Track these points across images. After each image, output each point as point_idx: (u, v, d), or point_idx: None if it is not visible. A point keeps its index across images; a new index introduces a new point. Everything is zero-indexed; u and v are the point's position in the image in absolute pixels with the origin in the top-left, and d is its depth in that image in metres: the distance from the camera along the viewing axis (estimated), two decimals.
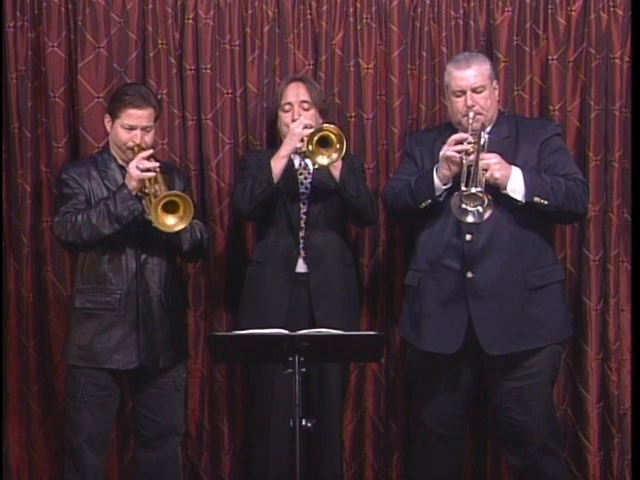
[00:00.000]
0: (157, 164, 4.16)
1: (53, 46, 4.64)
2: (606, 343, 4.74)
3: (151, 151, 4.21)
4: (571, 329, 4.42)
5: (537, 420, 4.21)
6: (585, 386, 4.74)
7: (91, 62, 4.64)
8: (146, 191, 4.14)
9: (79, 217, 4.15)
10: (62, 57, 4.65)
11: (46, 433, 4.74)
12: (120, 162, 4.28)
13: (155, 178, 4.13)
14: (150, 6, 4.66)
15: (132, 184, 4.13)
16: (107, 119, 4.30)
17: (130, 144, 4.22)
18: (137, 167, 4.12)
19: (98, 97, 4.64)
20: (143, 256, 4.25)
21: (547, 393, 4.29)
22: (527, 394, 4.20)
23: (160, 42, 4.66)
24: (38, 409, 4.72)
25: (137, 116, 4.21)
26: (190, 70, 4.68)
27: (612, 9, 4.69)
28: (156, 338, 4.25)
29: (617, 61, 4.69)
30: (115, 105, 4.25)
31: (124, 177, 4.21)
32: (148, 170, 4.13)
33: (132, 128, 4.21)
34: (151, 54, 4.67)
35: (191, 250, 4.30)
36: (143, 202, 4.16)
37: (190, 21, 4.67)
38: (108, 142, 4.36)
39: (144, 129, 4.23)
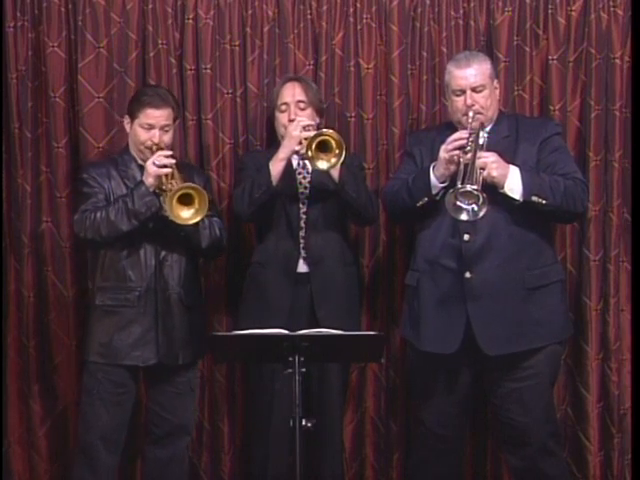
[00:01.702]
0: (173, 160, 4.19)
1: (53, 46, 4.64)
2: (606, 343, 4.74)
3: (170, 152, 4.24)
4: (571, 329, 4.42)
5: (537, 421, 4.20)
6: (585, 386, 4.74)
7: (91, 62, 4.64)
8: (164, 187, 4.18)
9: (98, 214, 4.19)
10: (62, 57, 4.65)
11: (47, 433, 4.74)
12: (140, 162, 4.32)
13: (172, 174, 4.17)
14: (150, 6, 4.66)
15: (149, 180, 4.17)
16: (126, 120, 4.35)
17: (148, 143, 4.26)
18: (154, 163, 4.16)
19: (98, 97, 4.64)
20: (162, 253, 4.28)
21: (547, 394, 4.29)
22: (527, 395, 4.19)
23: (160, 42, 4.67)
24: (39, 409, 4.72)
25: (155, 116, 4.25)
26: (190, 70, 4.68)
27: (612, 9, 4.69)
28: (175, 335, 4.27)
29: (617, 61, 4.69)
30: (134, 106, 4.30)
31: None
32: (164, 166, 4.16)
33: (150, 127, 4.26)
34: (151, 54, 4.67)
35: (210, 247, 4.33)
36: (161, 199, 4.19)
37: (190, 21, 4.67)
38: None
39: (162, 128, 4.27)
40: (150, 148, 4.25)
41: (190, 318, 4.33)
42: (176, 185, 4.13)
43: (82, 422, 4.34)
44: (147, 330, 4.25)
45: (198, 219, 4.13)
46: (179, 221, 4.12)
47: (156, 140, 4.25)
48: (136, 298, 4.25)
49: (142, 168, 4.28)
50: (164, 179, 4.17)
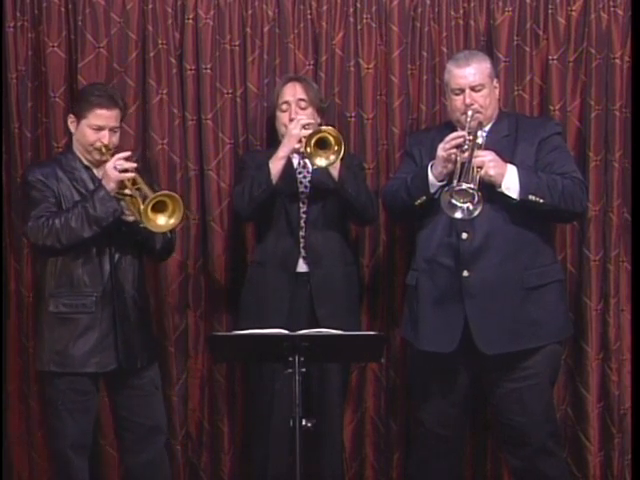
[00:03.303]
0: (135, 164, 4.13)
1: (53, 46, 4.64)
2: (606, 343, 4.74)
3: (129, 153, 4.18)
4: (570, 329, 4.41)
5: (536, 421, 4.20)
6: (585, 386, 4.74)
7: (91, 62, 4.64)
8: (126, 192, 4.10)
9: (56, 221, 4.09)
10: (62, 57, 4.65)
11: (46, 433, 4.72)
12: (85, 162, 4.24)
13: (134, 179, 4.10)
14: (150, 6, 4.66)
15: (110, 185, 4.08)
16: (71, 119, 4.25)
17: (97, 144, 4.18)
18: (115, 168, 4.08)
19: None
20: (116, 256, 4.21)
21: (546, 394, 4.28)
22: (526, 395, 4.18)
23: (160, 42, 4.67)
24: (38, 409, 4.71)
25: (105, 116, 4.16)
26: (190, 70, 4.68)
27: (612, 9, 4.69)
28: (133, 338, 4.22)
29: (617, 61, 4.68)
30: (82, 105, 4.20)
31: (91, 178, 4.19)
32: (126, 171, 4.09)
33: (100, 129, 4.17)
34: (151, 54, 4.67)
35: (163, 249, 4.30)
36: (122, 203, 4.11)
37: (190, 21, 4.67)
38: (70, 142, 4.33)
39: (111, 129, 4.19)
40: (99, 149, 4.17)
41: (143, 320, 4.30)
42: (144, 190, 4.05)
43: (51, 433, 4.30)
44: (105, 335, 4.17)
45: (176, 222, 4.06)
46: (158, 229, 4.06)
47: (106, 141, 4.16)
48: (93, 303, 4.16)
49: (88, 169, 4.21)
50: (126, 183, 4.09)
